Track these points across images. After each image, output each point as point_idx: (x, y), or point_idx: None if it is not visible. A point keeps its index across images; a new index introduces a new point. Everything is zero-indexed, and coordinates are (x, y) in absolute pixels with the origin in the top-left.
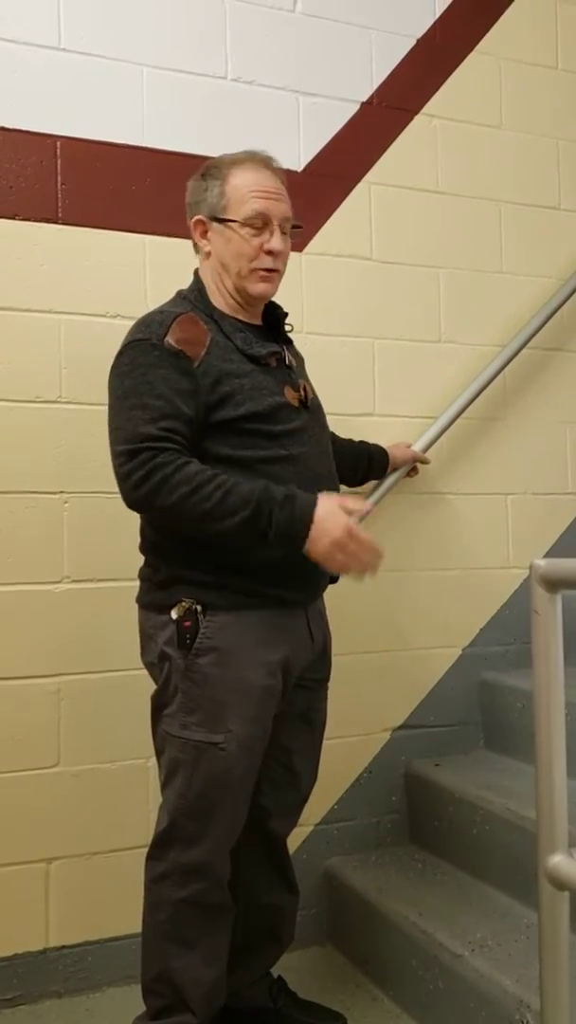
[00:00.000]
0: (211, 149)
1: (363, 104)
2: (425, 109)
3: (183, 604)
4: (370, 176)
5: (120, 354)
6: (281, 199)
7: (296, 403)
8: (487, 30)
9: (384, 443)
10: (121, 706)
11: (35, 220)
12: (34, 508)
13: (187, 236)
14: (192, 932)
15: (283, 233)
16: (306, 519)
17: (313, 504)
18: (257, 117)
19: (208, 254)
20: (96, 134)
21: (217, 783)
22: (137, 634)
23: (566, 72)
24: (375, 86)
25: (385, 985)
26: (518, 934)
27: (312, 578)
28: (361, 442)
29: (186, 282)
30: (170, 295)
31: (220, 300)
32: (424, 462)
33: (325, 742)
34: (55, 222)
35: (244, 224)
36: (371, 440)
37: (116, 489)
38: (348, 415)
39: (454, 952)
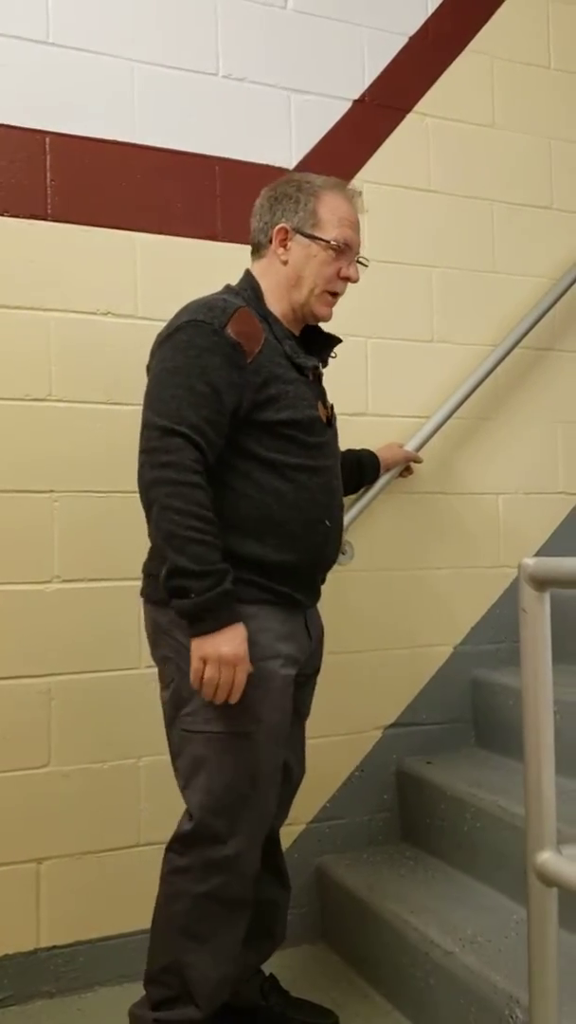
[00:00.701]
0: (202, 146)
1: (355, 102)
2: (417, 107)
3: None
4: (362, 174)
5: (178, 329)
6: (360, 233)
7: (324, 419)
8: (479, 28)
9: (377, 443)
10: (112, 706)
11: (24, 216)
12: (23, 507)
13: (177, 233)
14: (207, 927)
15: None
16: (225, 619)
17: (237, 619)
18: (248, 114)
19: (284, 262)
20: (86, 130)
21: (247, 774)
22: (131, 634)
23: (559, 71)
24: (367, 84)
25: (377, 982)
26: (508, 930)
27: (316, 583)
28: (348, 451)
29: (176, 279)
30: (161, 292)
31: (275, 306)
32: (417, 461)
33: (318, 740)
34: (44, 219)
35: (329, 246)
36: (365, 439)
37: (106, 488)
38: (342, 415)
39: (445, 949)
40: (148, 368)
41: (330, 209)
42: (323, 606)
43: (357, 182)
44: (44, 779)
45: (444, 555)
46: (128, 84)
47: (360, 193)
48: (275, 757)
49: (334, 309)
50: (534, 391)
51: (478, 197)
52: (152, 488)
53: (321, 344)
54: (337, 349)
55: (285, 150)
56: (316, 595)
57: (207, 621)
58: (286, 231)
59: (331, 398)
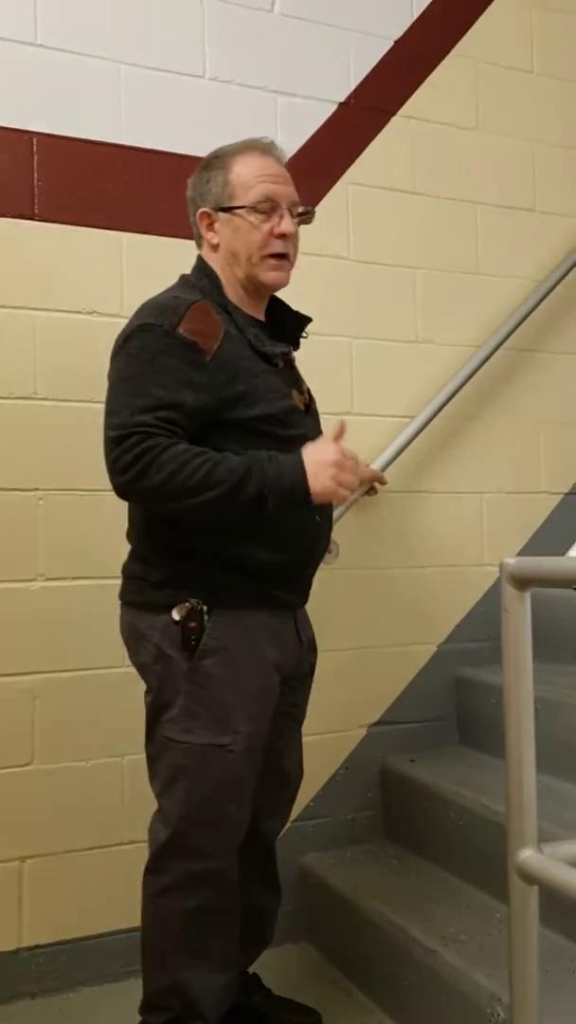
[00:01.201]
0: (188, 148)
1: (340, 105)
2: (402, 110)
3: (187, 604)
4: (347, 176)
5: (129, 336)
6: (287, 183)
7: (302, 407)
8: (464, 33)
9: (361, 443)
10: (96, 704)
11: (11, 216)
12: (8, 505)
13: (163, 233)
14: (202, 941)
15: (292, 217)
16: (297, 462)
17: (296, 458)
18: (235, 116)
19: (216, 246)
20: (73, 131)
21: (225, 786)
22: (115, 632)
23: (542, 75)
24: (352, 87)
25: (360, 981)
26: (491, 928)
27: (305, 582)
28: None
29: (161, 279)
30: (147, 293)
31: (231, 292)
32: (382, 483)
33: (303, 739)
34: (31, 218)
35: (252, 210)
36: (349, 439)
37: (91, 486)
38: (325, 414)
39: (428, 947)
40: (108, 376)
41: (240, 173)
42: (308, 605)
43: (342, 184)
44: (27, 777)
45: (427, 554)
46: (115, 85)
47: (274, 144)
48: (253, 766)
49: (314, 306)
50: (517, 392)
51: (462, 199)
52: (135, 486)
53: (291, 326)
54: (320, 348)
55: None
56: (305, 594)
57: (292, 476)
58: (208, 214)
59: (315, 398)
